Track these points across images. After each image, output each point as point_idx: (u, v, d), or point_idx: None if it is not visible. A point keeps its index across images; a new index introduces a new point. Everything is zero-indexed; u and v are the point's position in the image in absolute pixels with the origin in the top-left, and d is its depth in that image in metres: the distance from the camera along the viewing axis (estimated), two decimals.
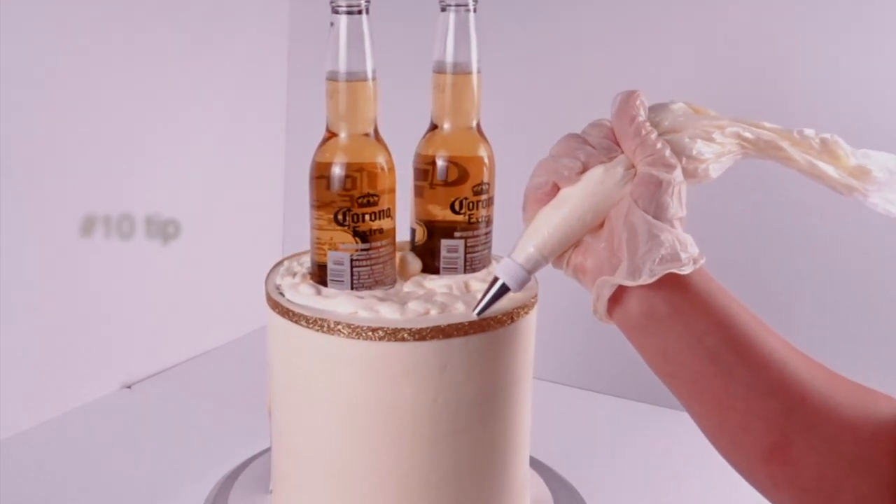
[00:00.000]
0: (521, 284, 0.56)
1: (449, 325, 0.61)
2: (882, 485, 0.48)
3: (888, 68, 0.89)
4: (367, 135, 0.64)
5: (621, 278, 0.51)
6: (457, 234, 0.68)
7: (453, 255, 0.69)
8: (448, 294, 0.65)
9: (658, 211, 0.51)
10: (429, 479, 0.63)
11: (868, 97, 0.90)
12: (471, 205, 0.68)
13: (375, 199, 0.63)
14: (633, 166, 0.53)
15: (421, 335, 0.61)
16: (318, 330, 0.62)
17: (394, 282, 0.67)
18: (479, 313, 0.60)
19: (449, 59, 0.65)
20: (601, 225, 0.55)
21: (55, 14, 0.87)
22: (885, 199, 0.53)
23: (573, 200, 0.54)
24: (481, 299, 0.59)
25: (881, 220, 0.57)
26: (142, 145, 0.99)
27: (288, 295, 0.66)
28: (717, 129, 0.53)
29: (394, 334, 0.60)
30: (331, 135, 0.64)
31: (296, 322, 0.63)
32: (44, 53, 0.87)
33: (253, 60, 1.15)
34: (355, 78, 0.62)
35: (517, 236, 0.57)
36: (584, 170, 0.54)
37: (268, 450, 0.81)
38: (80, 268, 0.94)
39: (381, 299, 0.63)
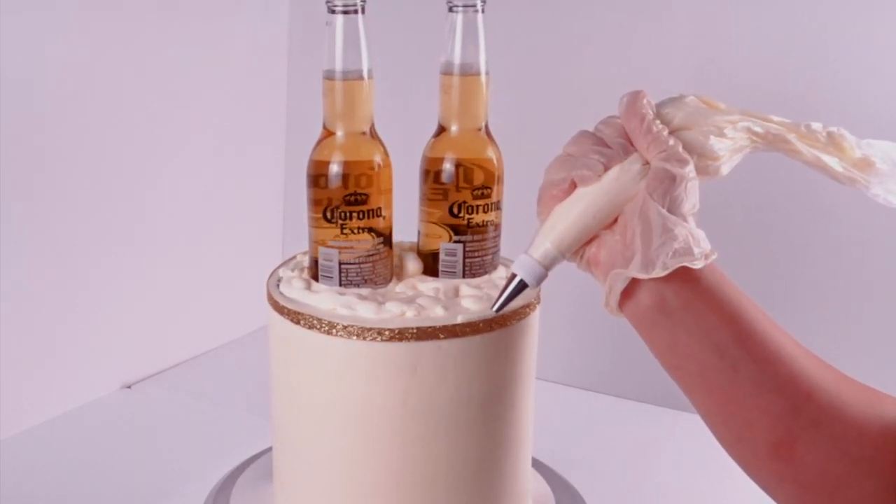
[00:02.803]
0: (539, 280, 0.57)
1: (419, 328, 0.61)
2: (885, 485, 0.48)
3: (891, 62, 0.89)
4: (363, 133, 0.64)
5: (635, 271, 0.52)
6: (456, 237, 0.68)
7: (451, 258, 0.68)
8: (432, 297, 0.65)
9: (672, 205, 0.52)
10: (400, 480, 0.63)
11: (871, 91, 0.89)
12: (469, 208, 0.67)
13: (364, 197, 0.63)
14: (648, 163, 0.54)
15: (391, 336, 0.61)
16: (296, 324, 0.63)
17: (387, 281, 0.67)
18: (497, 310, 0.59)
19: (456, 60, 0.65)
20: (615, 219, 0.55)
21: (53, 12, 0.87)
22: (886, 189, 0.54)
23: (589, 197, 0.54)
24: (499, 296, 0.59)
25: (892, 217, 0.57)
26: (141, 144, 0.99)
27: (282, 287, 0.67)
28: (728, 125, 0.54)
29: (363, 333, 0.61)
30: (327, 133, 0.64)
31: (280, 314, 0.65)
32: (42, 52, 0.87)
33: (253, 60, 1.15)
34: (351, 77, 0.62)
35: (532, 234, 0.57)
36: (605, 170, 0.54)
37: (268, 449, 0.81)
38: (80, 268, 0.94)
39: (363, 298, 0.64)
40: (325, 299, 0.64)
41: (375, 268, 0.66)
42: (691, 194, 0.52)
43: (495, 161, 0.67)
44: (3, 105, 0.83)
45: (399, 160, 0.67)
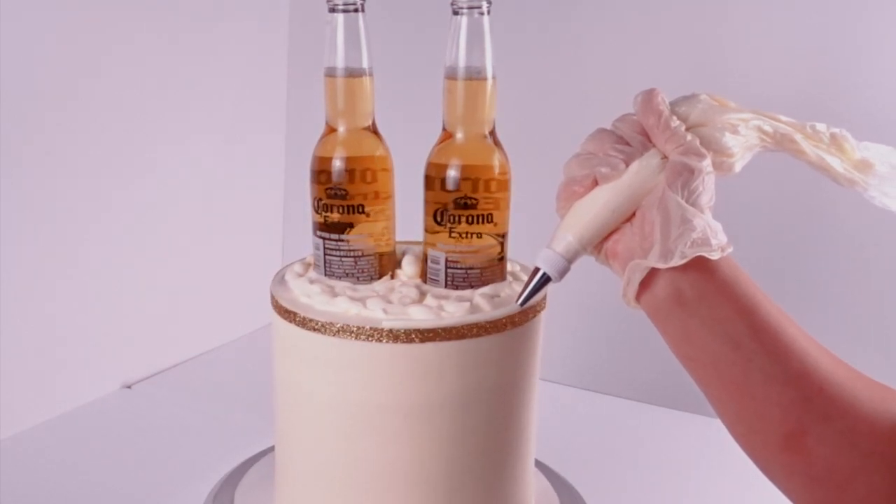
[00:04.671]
0: (562, 274, 0.57)
1: (343, 326, 0.60)
2: (894, 480, 0.48)
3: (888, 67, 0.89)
4: (364, 129, 0.65)
5: (653, 261, 0.52)
6: (440, 245, 0.65)
7: (436, 266, 0.66)
8: (391, 301, 0.63)
9: (690, 197, 0.53)
10: (343, 477, 0.64)
11: (874, 94, 0.90)
12: (452, 217, 0.64)
13: (343, 192, 0.64)
14: (666, 157, 0.55)
15: (314, 327, 0.61)
16: (272, 307, 0.66)
17: (371, 279, 0.67)
18: (521, 304, 0.59)
19: (461, 63, 0.62)
20: (634, 212, 0.56)
21: (53, 12, 0.87)
22: (882, 192, 0.55)
23: (610, 192, 0.55)
24: (523, 290, 0.59)
25: None
26: (142, 144, 0.99)
27: (286, 272, 0.69)
28: (741, 122, 0.55)
29: (304, 322, 0.62)
30: (329, 130, 0.65)
31: (270, 298, 0.67)
32: (42, 53, 0.87)
33: (253, 59, 1.15)
34: (352, 74, 0.63)
35: (552, 231, 0.57)
36: (625, 166, 0.55)
37: (269, 449, 0.81)
38: (80, 268, 0.94)
39: (325, 290, 0.64)
40: (300, 287, 0.65)
41: (357, 263, 0.66)
42: (708, 187, 0.53)
43: (498, 168, 0.64)
44: (2, 107, 0.83)
45: (402, 160, 0.67)
